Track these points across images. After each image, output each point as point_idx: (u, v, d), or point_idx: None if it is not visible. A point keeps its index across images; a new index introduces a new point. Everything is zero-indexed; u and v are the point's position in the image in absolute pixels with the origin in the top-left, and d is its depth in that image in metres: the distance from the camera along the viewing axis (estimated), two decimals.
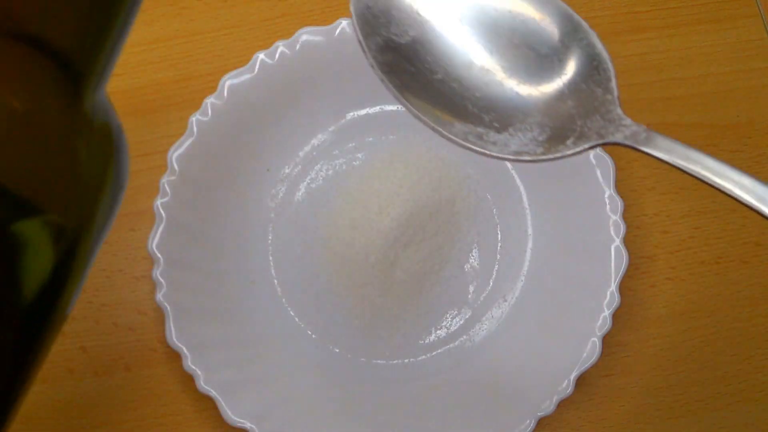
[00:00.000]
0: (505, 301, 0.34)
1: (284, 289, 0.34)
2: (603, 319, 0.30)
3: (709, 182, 0.20)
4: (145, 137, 0.36)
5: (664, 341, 0.34)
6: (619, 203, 0.31)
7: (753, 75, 0.36)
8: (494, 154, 0.23)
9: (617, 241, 0.31)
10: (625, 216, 0.32)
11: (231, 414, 0.30)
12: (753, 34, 0.37)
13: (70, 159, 0.15)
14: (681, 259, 0.34)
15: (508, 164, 0.35)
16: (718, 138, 0.36)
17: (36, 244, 0.14)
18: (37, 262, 0.14)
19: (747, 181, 0.19)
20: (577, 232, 0.33)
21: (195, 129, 0.32)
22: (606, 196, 0.32)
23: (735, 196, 0.19)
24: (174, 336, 0.30)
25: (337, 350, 0.34)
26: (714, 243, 0.35)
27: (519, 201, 0.35)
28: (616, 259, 0.31)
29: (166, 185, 0.32)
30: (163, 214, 0.32)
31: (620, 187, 0.34)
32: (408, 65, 0.24)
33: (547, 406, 0.30)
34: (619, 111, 0.22)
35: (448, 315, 0.34)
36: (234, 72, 0.33)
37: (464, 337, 0.34)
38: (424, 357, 0.33)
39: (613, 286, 0.31)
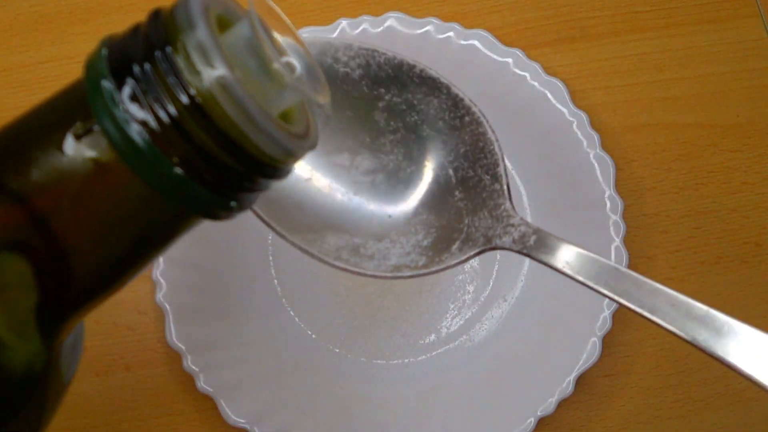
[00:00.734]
0: (505, 301, 0.34)
1: (284, 289, 0.34)
2: (603, 319, 0.30)
3: (606, 296, 0.18)
4: None
5: (664, 341, 0.34)
6: (619, 203, 0.31)
7: (753, 75, 0.36)
8: (369, 273, 0.21)
9: (617, 241, 0.31)
10: (625, 216, 0.32)
11: (231, 414, 0.30)
12: (753, 34, 0.37)
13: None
14: (681, 259, 0.34)
15: (509, 164, 0.35)
16: (718, 138, 0.36)
17: None
18: None
19: (651, 292, 0.17)
20: (577, 232, 0.33)
21: None
22: (606, 196, 0.32)
23: (641, 315, 0.17)
24: (174, 336, 0.30)
25: (337, 350, 0.34)
26: (714, 243, 0.35)
27: (519, 201, 0.35)
28: (616, 259, 0.31)
29: None
30: None
31: (620, 187, 0.34)
32: None
33: (547, 406, 0.30)
34: (507, 206, 0.20)
35: (448, 315, 0.34)
36: None
37: (464, 337, 0.34)
38: (424, 357, 0.33)
39: None
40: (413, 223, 0.22)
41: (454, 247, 0.20)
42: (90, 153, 0.13)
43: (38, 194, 0.13)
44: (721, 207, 0.35)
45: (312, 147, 0.14)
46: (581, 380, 0.31)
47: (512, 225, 0.20)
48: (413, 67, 0.23)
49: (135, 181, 0.13)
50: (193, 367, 0.30)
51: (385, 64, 0.23)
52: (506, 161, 0.35)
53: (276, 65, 0.13)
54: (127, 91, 0.13)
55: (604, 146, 0.32)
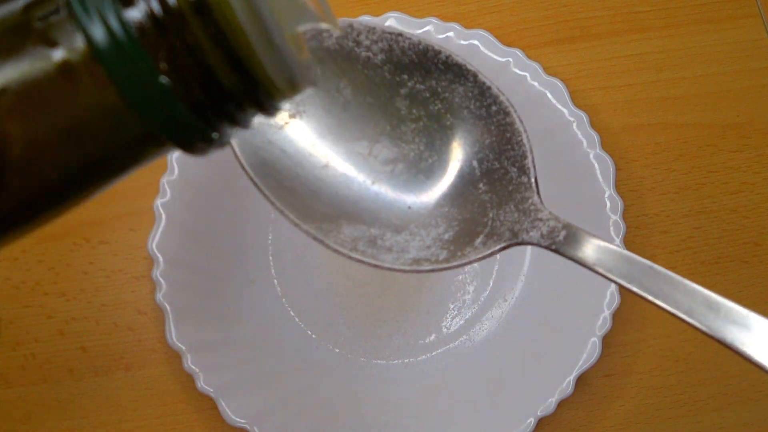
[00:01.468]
0: (505, 301, 0.34)
1: (284, 289, 0.34)
2: (603, 319, 0.30)
3: (640, 296, 0.17)
4: None
5: (664, 341, 0.34)
6: (619, 203, 0.31)
7: (753, 75, 0.36)
8: (387, 266, 0.20)
9: (617, 241, 0.31)
10: (625, 216, 0.32)
11: (231, 414, 0.30)
12: (753, 34, 0.37)
13: None
14: (681, 259, 0.34)
15: None
16: (718, 138, 0.36)
17: None
18: None
19: (686, 289, 0.16)
20: None
21: None
22: (606, 196, 0.32)
23: (670, 312, 0.16)
24: (174, 336, 0.30)
25: (337, 350, 0.34)
26: (714, 243, 0.35)
27: None
28: None
29: (166, 185, 0.32)
30: (163, 214, 0.32)
31: (620, 187, 0.34)
32: (285, 156, 0.21)
33: (547, 406, 0.30)
34: (535, 199, 0.19)
35: (448, 315, 0.34)
36: None
37: (464, 337, 0.34)
38: (424, 357, 0.33)
39: (613, 286, 0.31)
40: (434, 216, 0.21)
41: (478, 241, 0.19)
42: (50, 43, 0.10)
43: None
44: (721, 207, 0.35)
45: (312, 84, 0.13)
46: (581, 380, 0.31)
47: (540, 219, 0.19)
48: (438, 53, 0.22)
49: (104, 88, 0.11)
50: (193, 367, 0.30)
51: (409, 50, 0.21)
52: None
53: None
54: None
55: (604, 146, 0.32)
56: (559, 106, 0.32)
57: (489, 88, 0.21)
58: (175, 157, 0.32)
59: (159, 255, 0.31)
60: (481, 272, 0.34)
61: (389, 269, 0.20)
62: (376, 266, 0.20)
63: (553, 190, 0.34)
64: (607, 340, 0.31)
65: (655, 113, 0.36)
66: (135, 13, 0.10)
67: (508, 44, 0.33)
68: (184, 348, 0.30)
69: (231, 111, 0.12)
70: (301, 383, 0.32)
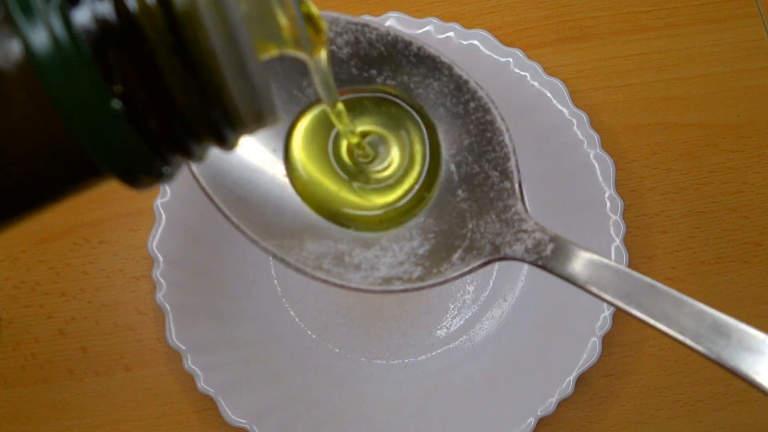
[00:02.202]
0: (505, 301, 0.34)
1: (284, 289, 0.34)
2: (603, 319, 0.30)
3: (639, 319, 0.15)
4: None
5: (664, 341, 0.34)
6: (619, 203, 0.31)
7: (753, 75, 0.36)
8: (353, 285, 0.18)
9: (617, 241, 0.31)
10: (625, 216, 0.32)
11: (231, 414, 0.30)
12: (753, 34, 0.37)
13: None
14: (681, 259, 0.34)
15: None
16: (718, 138, 0.36)
17: None
18: None
19: (680, 308, 0.15)
20: (577, 232, 0.33)
21: None
22: (606, 196, 0.32)
23: (675, 338, 0.15)
24: (174, 336, 0.30)
25: (337, 350, 0.34)
26: (714, 243, 0.35)
27: None
28: (616, 259, 0.31)
29: (166, 185, 0.32)
30: (163, 214, 0.32)
31: (620, 187, 0.34)
32: (243, 166, 0.19)
33: (547, 406, 0.30)
34: (519, 207, 0.17)
35: (448, 315, 0.34)
36: None
37: (464, 337, 0.34)
38: (424, 357, 0.33)
39: None
40: (408, 228, 0.19)
41: (455, 256, 0.17)
42: None
43: None
44: (721, 207, 0.35)
45: (276, 121, 0.11)
46: (581, 380, 0.31)
47: (525, 231, 0.17)
48: (409, 44, 0.19)
49: (40, 107, 0.09)
50: (193, 367, 0.30)
51: (377, 41, 0.19)
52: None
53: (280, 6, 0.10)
54: None
55: (604, 146, 0.32)
56: (559, 106, 0.32)
57: (466, 82, 0.19)
58: None
59: (159, 255, 0.31)
60: (481, 272, 0.34)
61: (356, 290, 0.18)
62: (342, 287, 0.18)
63: (553, 190, 0.34)
64: (607, 340, 0.31)
65: (655, 113, 0.36)
66: (85, 17, 0.08)
67: (508, 44, 0.33)
68: (184, 348, 0.30)
69: (186, 142, 0.10)
70: (301, 383, 0.32)
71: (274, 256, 0.19)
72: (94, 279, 0.35)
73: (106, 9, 0.08)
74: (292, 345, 0.33)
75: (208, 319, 0.32)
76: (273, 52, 0.12)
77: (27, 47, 0.08)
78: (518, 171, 0.18)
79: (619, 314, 0.31)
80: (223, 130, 0.10)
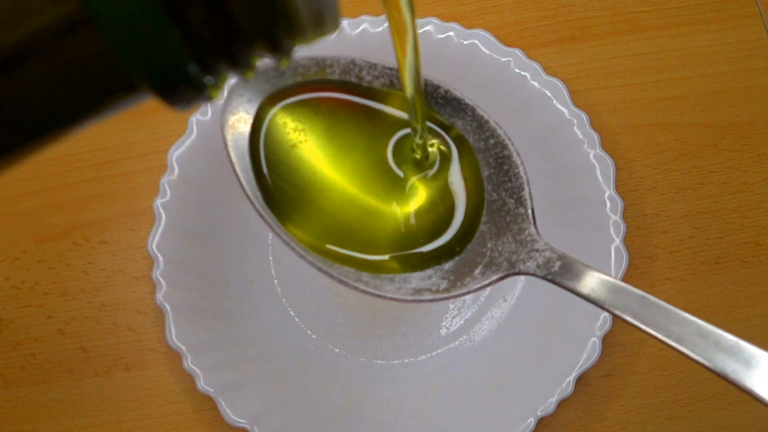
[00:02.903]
0: (505, 301, 0.34)
1: (284, 289, 0.34)
2: (603, 319, 0.30)
3: (633, 325, 0.17)
4: (145, 137, 0.36)
5: None
6: (619, 203, 0.31)
7: (753, 75, 0.36)
8: (390, 296, 0.20)
9: (617, 241, 0.31)
10: (625, 216, 0.32)
11: (231, 414, 0.30)
12: (753, 34, 0.37)
13: None
14: (681, 259, 0.34)
15: None
16: (718, 138, 0.36)
17: None
18: None
19: (681, 322, 0.17)
20: (577, 232, 0.33)
21: (195, 129, 0.32)
22: (606, 196, 0.32)
23: (662, 340, 0.17)
24: (174, 336, 0.30)
25: (337, 350, 0.34)
26: (714, 243, 0.35)
27: None
28: (616, 259, 0.31)
29: (166, 185, 0.32)
30: (163, 214, 0.32)
31: (620, 187, 0.34)
32: (290, 185, 0.21)
33: (547, 406, 0.30)
34: (532, 230, 0.20)
35: (448, 315, 0.34)
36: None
37: (464, 337, 0.34)
38: (424, 357, 0.33)
39: None
40: (436, 246, 0.21)
41: (477, 271, 0.20)
42: None
43: None
44: (721, 207, 0.35)
45: (337, 29, 0.11)
46: (581, 380, 0.31)
47: (537, 250, 0.19)
48: (437, 87, 0.22)
49: (73, 12, 0.07)
50: (193, 367, 0.30)
51: None
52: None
53: None
54: None
55: (604, 146, 0.32)
56: (559, 106, 0.32)
57: (487, 121, 0.22)
58: (175, 156, 0.32)
59: (159, 255, 0.31)
60: None
61: (392, 299, 0.21)
62: (379, 296, 0.20)
63: (554, 190, 0.34)
64: (607, 340, 0.31)
65: (655, 113, 0.36)
66: None
67: (508, 44, 0.33)
68: (184, 348, 0.30)
69: (234, 48, 0.09)
70: (301, 383, 0.32)
71: (320, 269, 0.21)
72: (94, 279, 0.35)
73: None
74: (292, 345, 0.33)
75: (208, 319, 0.32)
76: None
77: None
78: (531, 199, 0.20)
79: None
80: (279, 34, 0.09)
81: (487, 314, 0.34)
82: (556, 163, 0.33)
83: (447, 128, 0.22)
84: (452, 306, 0.34)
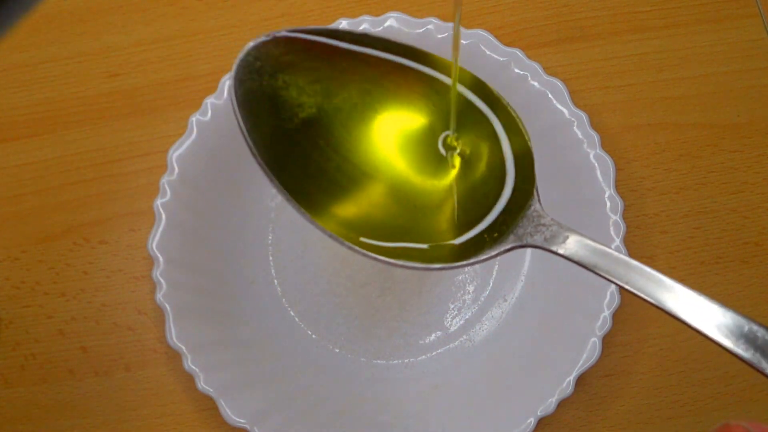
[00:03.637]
0: (505, 301, 0.34)
1: (284, 289, 0.34)
2: (603, 319, 0.30)
3: (631, 292, 0.19)
4: (145, 137, 0.36)
5: (664, 341, 0.34)
6: (619, 203, 0.31)
7: (753, 75, 0.36)
8: (401, 263, 0.21)
9: (617, 241, 0.31)
10: (625, 216, 0.32)
11: (231, 414, 0.30)
12: (753, 34, 0.37)
13: None
14: (681, 259, 0.34)
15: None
16: (718, 138, 0.36)
17: None
18: None
19: (686, 296, 0.19)
20: None
21: (195, 129, 0.32)
22: (606, 196, 0.32)
23: (667, 311, 0.19)
24: (174, 336, 0.30)
25: (337, 350, 0.34)
26: (714, 243, 0.35)
27: None
28: None
29: (166, 185, 0.32)
30: (163, 214, 0.32)
31: (620, 187, 0.34)
32: (305, 153, 0.22)
33: (547, 406, 0.30)
34: (538, 207, 0.21)
35: (448, 315, 0.34)
36: None
37: (464, 337, 0.34)
38: (424, 357, 0.33)
39: (613, 286, 0.31)
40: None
41: (486, 244, 0.21)
42: None
43: None
44: (721, 207, 0.35)
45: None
46: (581, 380, 0.31)
47: (543, 225, 0.21)
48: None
49: None
50: (193, 367, 0.30)
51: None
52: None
53: None
54: None
55: (604, 146, 0.32)
56: (559, 106, 0.32)
57: (499, 99, 0.23)
58: (175, 156, 0.32)
59: (159, 255, 0.31)
60: (481, 272, 0.34)
61: (402, 266, 0.21)
62: (390, 264, 0.21)
63: (554, 190, 0.34)
64: (607, 340, 0.31)
65: (655, 113, 0.36)
66: None
67: (508, 44, 0.33)
68: (184, 348, 0.30)
69: None
70: (301, 383, 0.32)
71: (337, 240, 0.21)
72: (94, 279, 0.35)
73: None
74: (292, 345, 0.33)
75: (208, 319, 0.32)
76: None
77: None
78: (535, 177, 0.22)
79: (619, 314, 0.31)
80: None
81: (487, 314, 0.34)
82: (556, 163, 0.33)
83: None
84: (452, 306, 0.34)
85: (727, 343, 0.18)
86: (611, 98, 0.36)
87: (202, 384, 0.30)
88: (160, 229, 0.31)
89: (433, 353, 0.33)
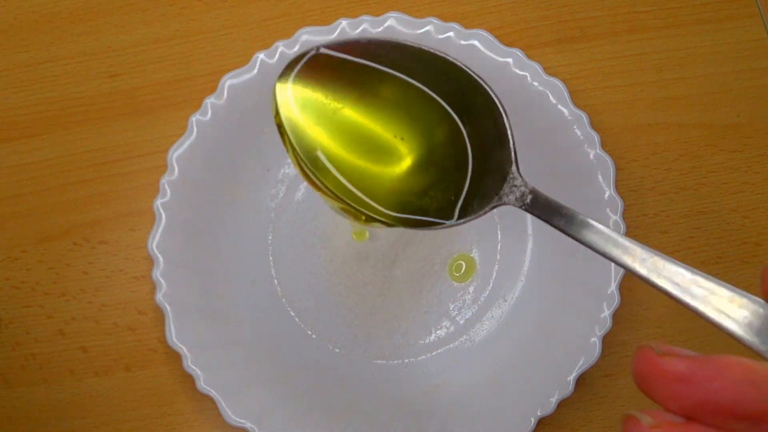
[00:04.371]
0: (505, 301, 0.34)
1: (284, 289, 0.34)
2: (603, 319, 0.30)
3: (594, 249, 0.21)
4: (145, 137, 0.36)
5: (664, 341, 0.33)
6: (619, 203, 0.31)
7: (753, 75, 0.36)
8: (392, 214, 0.24)
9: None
10: (625, 216, 0.32)
11: (231, 414, 0.30)
12: (753, 34, 0.37)
13: None
14: (681, 259, 0.34)
15: None
16: (718, 138, 0.36)
17: None
18: None
19: (632, 248, 0.20)
20: None
21: (195, 129, 0.32)
22: (606, 196, 0.32)
23: (626, 267, 0.20)
24: (174, 336, 0.30)
25: (337, 350, 0.34)
26: (714, 243, 0.35)
27: None
28: None
29: (166, 185, 0.32)
30: (163, 214, 0.32)
31: (620, 187, 0.34)
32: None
33: (547, 406, 0.30)
34: (513, 169, 0.23)
35: (448, 315, 0.34)
36: (234, 72, 0.33)
37: (464, 337, 0.34)
38: (424, 357, 0.33)
39: (613, 286, 0.31)
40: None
41: (475, 202, 0.23)
42: None
43: None
44: (721, 207, 0.35)
45: None
46: (581, 380, 0.31)
47: (516, 186, 0.23)
48: (403, 47, 0.25)
49: None
50: (193, 367, 0.30)
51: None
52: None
53: None
54: None
55: (604, 146, 0.32)
56: (559, 106, 0.32)
57: (463, 70, 0.25)
58: (175, 156, 0.32)
59: (159, 255, 0.31)
60: (481, 272, 0.34)
61: (393, 225, 0.23)
62: (384, 223, 0.24)
63: (553, 190, 0.34)
64: (607, 340, 0.31)
65: (655, 113, 0.36)
66: None
67: (508, 44, 0.33)
68: (184, 348, 0.30)
69: None
70: (301, 383, 0.32)
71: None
72: (94, 279, 0.35)
73: None
74: (292, 345, 0.33)
75: (208, 319, 0.32)
76: None
77: None
78: (513, 141, 0.23)
79: (619, 314, 0.31)
80: None
81: (487, 314, 0.34)
82: (556, 163, 0.33)
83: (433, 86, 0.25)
84: (452, 306, 0.34)
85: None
86: (611, 98, 0.36)
87: (202, 384, 0.30)
88: (160, 229, 0.31)
89: (433, 353, 0.33)
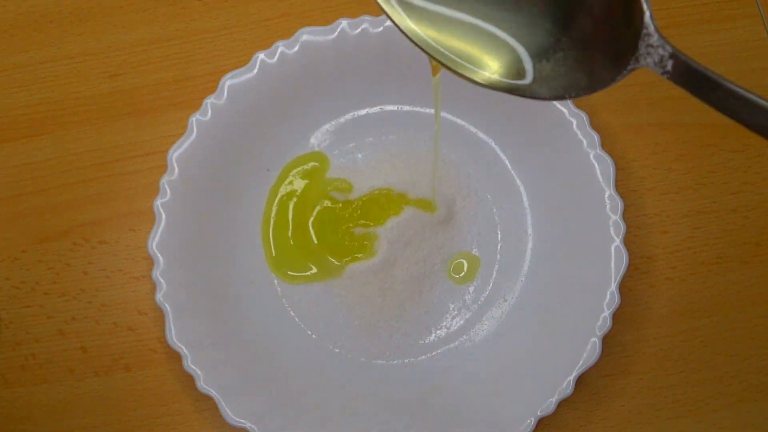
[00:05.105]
0: (505, 301, 0.34)
1: (284, 289, 0.34)
2: (603, 319, 0.30)
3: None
4: (145, 137, 0.36)
5: (664, 341, 0.34)
6: (619, 203, 0.31)
7: (753, 75, 0.36)
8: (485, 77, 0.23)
9: (617, 241, 0.31)
10: (625, 216, 0.32)
11: (231, 414, 0.30)
12: (753, 34, 0.37)
13: None
14: (681, 259, 0.34)
15: (508, 164, 0.35)
16: (718, 138, 0.36)
17: None
18: None
19: None
20: (577, 232, 0.33)
21: (195, 129, 0.32)
22: (606, 196, 0.32)
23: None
24: (174, 336, 0.30)
25: (337, 350, 0.34)
26: (714, 243, 0.35)
27: (519, 201, 0.35)
28: (616, 259, 0.31)
29: (166, 185, 0.32)
30: (163, 214, 0.32)
31: (620, 187, 0.34)
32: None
33: (547, 406, 0.30)
34: (647, 21, 0.21)
35: (448, 315, 0.34)
36: (234, 72, 0.33)
37: (464, 337, 0.34)
38: (424, 357, 0.33)
39: (613, 286, 0.31)
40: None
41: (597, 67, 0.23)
42: None
43: None
44: (721, 207, 0.35)
45: None
46: (581, 380, 0.31)
47: (652, 45, 0.21)
48: None
49: None
50: (193, 367, 0.30)
51: None
52: (506, 160, 0.35)
53: None
54: None
55: (604, 146, 0.32)
56: (559, 106, 0.32)
57: None
58: (175, 156, 0.32)
59: (159, 255, 0.31)
60: (481, 272, 0.34)
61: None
62: (473, 81, 0.23)
63: (554, 190, 0.34)
64: (607, 340, 0.31)
65: (655, 113, 0.36)
66: None
67: None
68: (184, 348, 0.30)
69: None
70: (301, 383, 0.32)
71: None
72: (94, 279, 0.35)
73: None
74: (292, 345, 0.33)
75: (208, 319, 0.32)
76: None
77: None
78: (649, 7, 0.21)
79: (619, 314, 0.31)
80: None
81: (487, 314, 0.34)
82: (556, 163, 0.33)
83: None
84: (452, 306, 0.34)
85: None
86: (611, 98, 0.36)
87: (202, 384, 0.30)
88: (160, 229, 0.31)
89: (433, 353, 0.33)
